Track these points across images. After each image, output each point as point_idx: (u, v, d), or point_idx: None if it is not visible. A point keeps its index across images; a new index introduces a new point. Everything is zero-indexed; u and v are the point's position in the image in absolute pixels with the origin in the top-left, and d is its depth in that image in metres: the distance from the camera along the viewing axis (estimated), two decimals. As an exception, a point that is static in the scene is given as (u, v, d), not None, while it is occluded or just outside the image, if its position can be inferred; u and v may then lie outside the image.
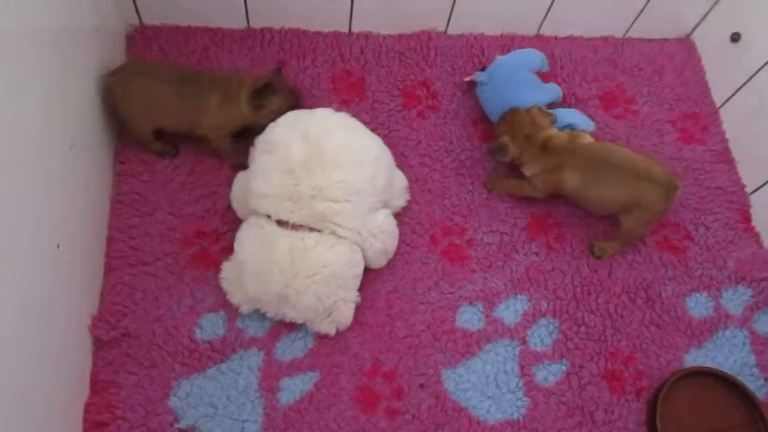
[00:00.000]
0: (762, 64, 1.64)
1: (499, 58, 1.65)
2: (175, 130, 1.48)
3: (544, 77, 1.78)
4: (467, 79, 1.70)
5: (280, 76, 1.51)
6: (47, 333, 1.11)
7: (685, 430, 1.40)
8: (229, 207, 1.45)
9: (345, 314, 1.36)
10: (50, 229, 1.14)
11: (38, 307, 1.08)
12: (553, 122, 1.51)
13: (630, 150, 1.51)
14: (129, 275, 1.39)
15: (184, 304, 1.38)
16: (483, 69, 1.68)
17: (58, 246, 1.14)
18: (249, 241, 1.31)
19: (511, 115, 1.52)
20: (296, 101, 1.50)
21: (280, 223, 1.29)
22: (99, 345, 1.32)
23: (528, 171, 1.52)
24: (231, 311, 1.38)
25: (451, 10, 1.73)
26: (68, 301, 1.22)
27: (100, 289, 1.37)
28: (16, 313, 1.00)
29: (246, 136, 1.46)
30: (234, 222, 1.42)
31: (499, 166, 1.63)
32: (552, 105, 1.65)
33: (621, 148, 1.52)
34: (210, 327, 1.37)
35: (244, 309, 1.36)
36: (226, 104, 1.44)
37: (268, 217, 1.30)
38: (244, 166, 1.42)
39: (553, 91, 1.68)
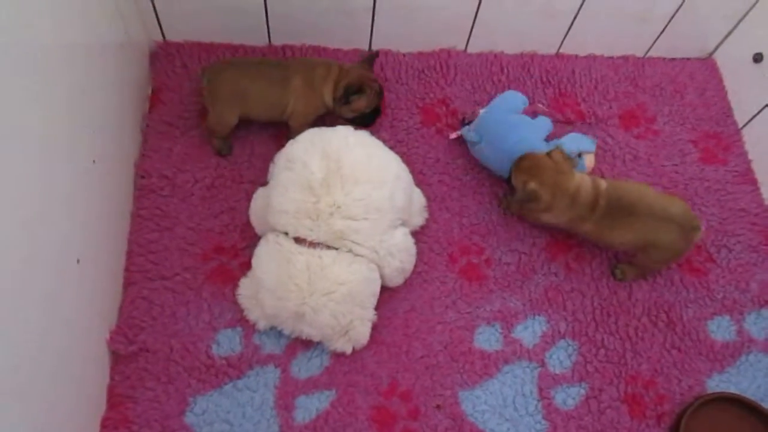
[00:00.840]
0: (786, 85, 1.63)
1: (482, 111, 1.59)
2: (260, 118, 1.54)
3: (564, 97, 1.78)
4: (453, 136, 1.65)
5: (370, 71, 1.55)
6: (67, 347, 1.12)
7: (708, 457, 1.37)
8: (248, 223, 1.46)
9: (361, 333, 1.35)
10: (71, 243, 1.14)
11: (58, 321, 1.08)
12: (575, 166, 1.47)
13: (649, 187, 1.47)
14: (147, 290, 1.40)
15: (202, 320, 1.39)
16: (464, 122, 1.64)
17: (78, 261, 1.15)
18: (267, 257, 1.32)
19: (530, 161, 1.42)
20: (379, 102, 1.56)
21: (298, 240, 1.30)
22: (117, 359, 1.32)
23: (553, 219, 1.46)
24: (248, 327, 1.38)
25: (471, 29, 1.73)
26: (87, 316, 1.23)
27: (119, 304, 1.38)
28: (38, 327, 1.01)
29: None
30: (253, 238, 1.43)
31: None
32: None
33: (640, 185, 1.48)
34: (227, 343, 1.37)
35: (261, 325, 1.36)
36: (308, 92, 1.50)
37: (286, 234, 1.31)
38: None
39: (546, 124, 1.61)
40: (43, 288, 1.02)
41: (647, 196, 1.42)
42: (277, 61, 1.58)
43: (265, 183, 1.44)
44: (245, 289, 1.37)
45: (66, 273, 1.12)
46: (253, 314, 1.36)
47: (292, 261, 1.28)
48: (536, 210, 1.45)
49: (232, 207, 1.51)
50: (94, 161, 1.25)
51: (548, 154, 1.43)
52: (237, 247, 1.46)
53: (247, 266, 1.39)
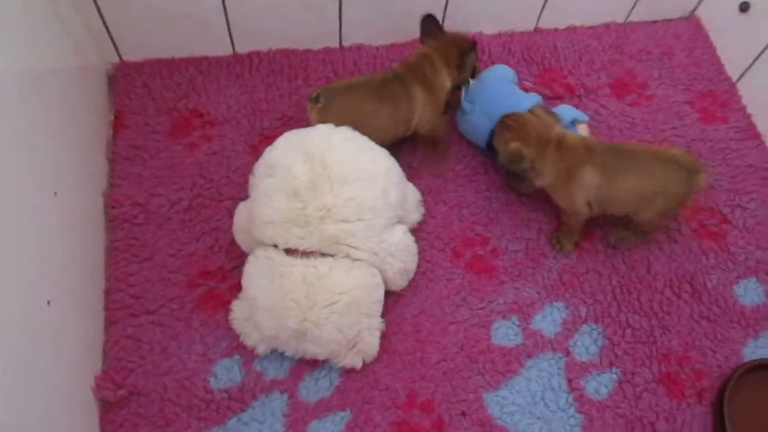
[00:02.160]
0: (780, 29, 1.56)
1: (473, 82, 1.51)
2: (384, 143, 1.34)
3: (549, 73, 1.70)
4: None
5: (439, 28, 1.49)
6: (47, 401, 0.99)
7: (760, 430, 1.27)
8: (234, 241, 1.35)
9: (370, 344, 1.25)
10: (39, 284, 1.03)
11: (33, 373, 0.96)
12: (557, 121, 1.39)
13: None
14: (132, 327, 1.28)
15: (195, 352, 1.27)
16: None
17: (49, 303, 1.03)
18: (258, 275, 1.21)
19: (513, 119, 1.35)
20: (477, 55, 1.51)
21: (289, 251, 1.19)
22: (106, 407, 1.20)
23: (544, 178, 1.35)
24: (247, 354, 1.27)
25: (444, 12, 1.65)
26: (67, 363, 1.11)
27: (102, 346, 1.26)
28: (8, 382, 0.88)
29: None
30: (240, 257, 1.32)
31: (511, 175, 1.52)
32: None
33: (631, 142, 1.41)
34: (225, 374, 1.25)
35: (261, 350, 1.24)
36: (431, 99, 1.42)
37: (276, 246, 1.20)
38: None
39: (534, 96, 1.50)
40: (9, 338, 0.90)
41: (645, 145, 1.37)
42: (391, 74, 1.41)
43: (246, 197, 1.34)
44: (239, 312, 1.26)
45: (36, 317, 1.00)
46: (250, 339, 1.24)
47: (285, 275, 1.17)
48: (526, 170, 1.35)
49: (214, 227, 1.40)
50: (55, 193, 1.14)
51: (530, 111, 1.36)
52: (224, 269, 1.35)
53: (237, 288, 1.28)
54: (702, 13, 1.85)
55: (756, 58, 1.65)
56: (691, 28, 1.83)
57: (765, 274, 1.46)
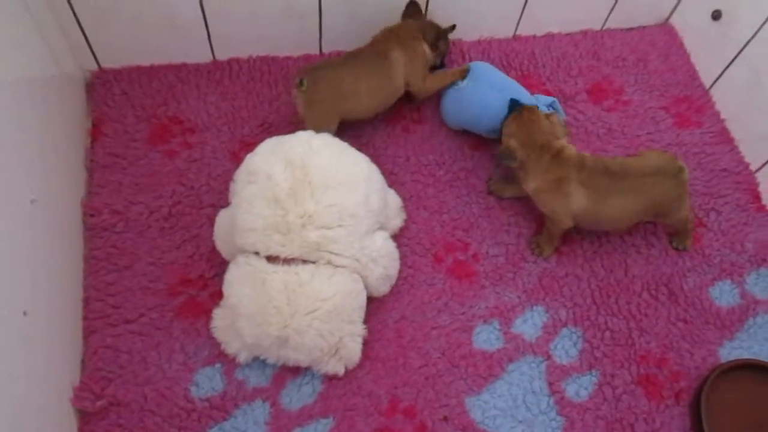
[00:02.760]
0: (750, 35, 1.59)
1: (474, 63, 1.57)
2: (369, 114, 1.50)
3: (528, 79, 1.72)
4: None
5: (420, 12, 1.57)
6: (24, 413, 0.98)
7: (736, 430, 1.29)
8: (214, 249, 1.34)
9: (353, 350, 1.25)
10: (14, 293, 1.01)
11: (9, 384, 0.95)
12: (568, 134, 1.40)
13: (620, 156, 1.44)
14: (111, 337, 1.27)
15: (176, 361, 1.26)
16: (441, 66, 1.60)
17: (25, 313, 1.02)
18: (239, 282, 1.20)
19: (529, 114, 1.35)
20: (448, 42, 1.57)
21: (271, 258, 1.18)
22: (85, 418, 1.19)
23: (531, 182, 1.36)
24: (228, 362, 1.26)
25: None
26: (45, 374, 1.09)
27: (81, 356, 1.24)
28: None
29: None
30: (221, 264, 1.31)
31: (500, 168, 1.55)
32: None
33: (615, 156, 1.45)
34: (207, 383, 1.24)
35: (243, 358, 1.24)
36: (412, 54, 1.48)
37: (257, 253, 1.19)
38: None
39: (550, 98, 1.56)
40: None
41: (627, 160, 1.38)
42: (360, 50, 1.49)
43: (227, 204, 1.33)
44: (220, 320, 1.25)
45: (12, 328, 0.99)
46: (232, 347, 1.24)
47: (267, 282, 1.16)
48: (515, 169, 1.38)
49: (195, 235, 1.39)
50: (32, 201, 1.12)
51: (548, 115, 1.38)
52: (205, 277, 1.34)
53: (218, 296, 1.27)
54: (676, 21, 1.88)
55: (728, 65, 1.68)
56: (666, 35, 1.86)
57: (739, 276, 1.48)
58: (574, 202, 1.34)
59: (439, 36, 1.52)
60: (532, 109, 1.37)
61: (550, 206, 1.37)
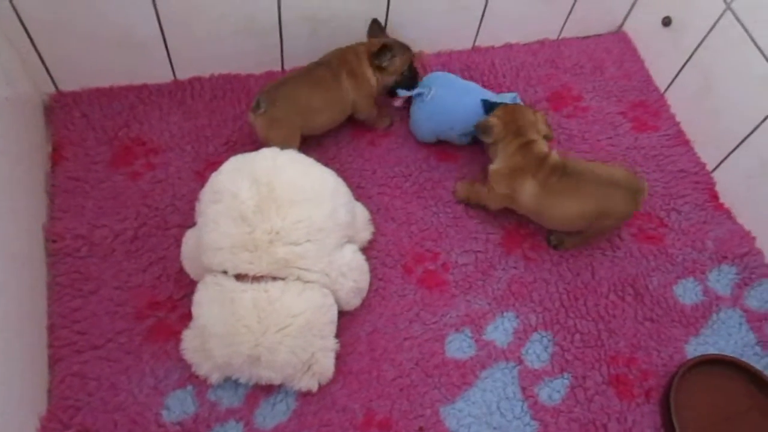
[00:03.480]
0: (699, 42, 1.65)
1: (431, 74, 1.59)
2: (324, 128, 1.52)
3: (490, 88, 1.74)
4: (398, 103, 1.59)
5: (385, 35, 1.57)
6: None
7: (705, 424, 1.32)
8: (182, 270, 1.33)
9: (325, 365, 1.24)
10: (-24, 325, 0.99)
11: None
12: (548, 135, 1.44)
13: (587, 160, 1.47)
14: (78, 364, 1.24)
15: (146, 385, 1.24)
16: (409, 88, 1.58)
17: (-13, 344, 0.99)
18: (208, 302, 1.19)
19: (518, 106, 1.45)
20: (411, 57, 1.56)
21: (240, 277, 1.18)
22: (53, 449, 1.16)
23: (495, 164, 1.41)
24: (200, 384, 1.24)
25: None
26: (9, 407, 1.06)
27: (47, 385, 1.21)
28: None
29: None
30: (189, 285, 1.30)
31: (468, 174, 1.58)
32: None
33: (581, 159, 1.47)
34: (178, 406, 1.22)
35: (214, 379, 1.22)
36: (354, 79, 1.49)
37: (225, 272, 1.18)
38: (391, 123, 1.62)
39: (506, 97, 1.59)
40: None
41: (590, 164, 1.41)
42: (318, 62, 1.52)
43: (193, 224, 1.32)
44: (190, 341, 1.23)
45: (-27, 360, 0.96)
46: (202, 368, 1.22)
47: (236, 301, 1.15)
48: (492, 148, 1.42)
49: (162, 257, 1.38)
50: (-9, 230, 1.10)
51: (535, 112, 1.44)
52: (173, 299, 1.33)
53: (187, 317, 1.26)
54: (629, 28, 1.94)
55: (681, 69, 1.74)
56: (620, 42, 1.92)
57: (701, 274, 1.52)
58: (521, 194, 1.38)
59: (381, 54, 1.49)
60: (520, 105, 1.45)
61: (498, 189, 1.41)
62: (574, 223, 1.42)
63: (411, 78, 1.58)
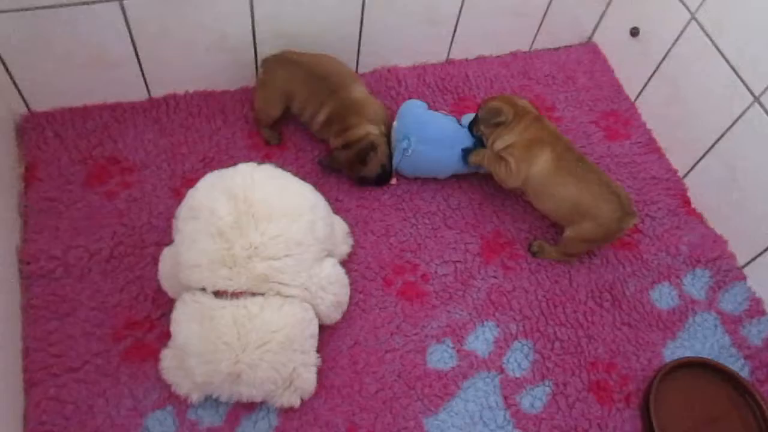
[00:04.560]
0: (666, 51, 1.69)
1: (395, 124, 1.56)
2: (301, 113, 1.56)
3: (464, 101, 1.77)
4: (394, 181, 1.58)
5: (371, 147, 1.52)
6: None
7: (685, 427, 1.34)
8: (160, 289, 1.31)
9: (307, 380, 1.23)
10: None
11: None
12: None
13: None
14: (55, 387, 1.22)
15: (125, 407, 1.22)
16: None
17: (-41, 369, 0.97)
18: (186, 320, 1.18)
19: (507, 94, 1.50)
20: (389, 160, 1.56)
21: (218, 293, 1.17)
22: (29, 476, 1.13)
23: (509, 138, 1.43)
24: (180, 404, 1.23)
25: (358, 48, 1.70)
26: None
27: (23, 411, 1.19)
28: None
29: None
30: (168, 304, 1.28)
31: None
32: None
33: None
34: (158, 427, 1.21)
35: (195, 398, 1.21)
36: (327, 126, 1.53)
37: (204, 289, 1.18)
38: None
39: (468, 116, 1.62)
40: None
41: (600, 169, 1.45)
42: (332, 83, 1.53)
43: (170, 242, 1.31)
44: (168, 361, 1.22)
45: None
46: (182, 387, 1.21)
47: (215, 318, 1.14)
48: (498, 131, 1.44)
49: (139, 276, 1.36)
50: (-38, 253, 1.08)
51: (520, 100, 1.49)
52: (151, 318, 1.31)
53: (166, 336, 1.24)
54: (598, 39, 1.98)
55: (649, 78, 1.78)
56: (590, 53, 1.96)
57: (676, 278, 1.55)
58: (535, 165, 1.41)
59: (359, 159, 1.50)
60: (499, 96, 1.50)
61: (515, 161, 1.43)
62: (565, 210, 1.43)
63: (384, 177, 1.56)
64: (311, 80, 1.52)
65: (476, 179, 1.62)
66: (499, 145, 1.44)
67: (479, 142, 1.51)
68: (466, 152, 1.51)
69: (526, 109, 1.46)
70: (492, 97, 1.49)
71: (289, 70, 1.53)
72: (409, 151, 1.50)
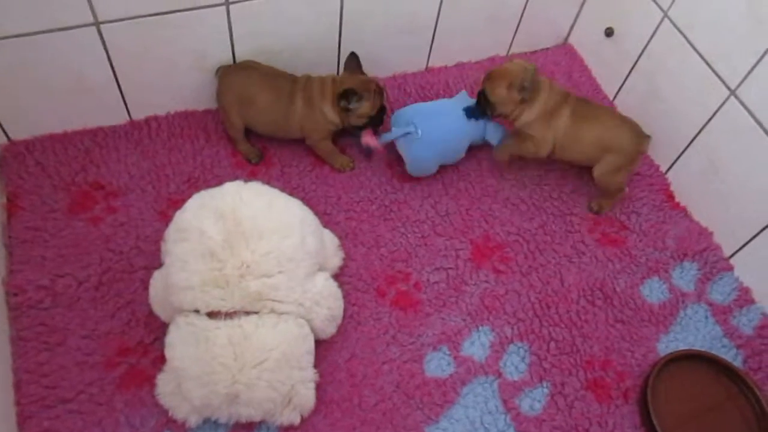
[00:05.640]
0: (641, 50, 1.71)
1: (392, 115, 1.59)
2: (266, 131, 1.57)
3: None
4: (372, 141, 1.56)
5: (361, 72, 1.56)
6: None
7: (683, 419, 1.35)
8: (152, 313, 1.30)
9: (306, 397, 1.22)
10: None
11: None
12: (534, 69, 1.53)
13: None
14: (48, 420, 1.20)
15: (122, 436, 1.20)
16: (375, 133, 1.58)
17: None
18: (181, 343, 1.16)
19: (500, 69, 1.51)
20: (382, 100, 1.55)
21: (212, 314, 1.16)
22: None
23: (530, 114, 1.50)
24: (178, 428, 1.22)
25: (338, 58, 1.70)
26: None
27: (17, 445, 1.17)
28: None
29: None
30: (161, 328, 1.27)
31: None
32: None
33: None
34: (157, 453, 1.19)
35: (193, 422, 1.19)
36: (309, 112, 1.52)
37: (197, 311, 1.17)
38: (349, 167, 1.62)
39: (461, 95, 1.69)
40: None
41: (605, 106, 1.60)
42: (292, 74, 1.56)
43: (160, 265, 1.30)
44: (164, 385, 1.20)
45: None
46: (180, 412, 1.19)
47: (210, 339, 1.13)
48: (520, 108, 1.50)
49: (129, 301, 1.35)
50: (-53, 288, 1.06)
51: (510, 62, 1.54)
52: (144, 343, 1.30)
53: (160, 361, 1.23)
54: (574, 41, 2.00)
55: (626, 77, 1.80)
56: (567, 54, 1.98)
57: (665, 272, 1.57)
58: (558, 127, 1.51)
59: (343, 96, 1.47)
60: (497, 67, 1.54)
61: (542, 132, 1.52)
62: (591, 151, 1.53)
63: (379, 118, 1.56)
64: (268, 78, 1.53)
65: (463, 184, 1.63)
66: (525, 118, 1.51)
67: (477, 106, 1.56)
68: (468, 111, 1.57)
69: (537, 81, 1.49)
70: (493, 74, 1.51)
71: (242, 75, 1.53)
72: (419, 132, 1.50)
